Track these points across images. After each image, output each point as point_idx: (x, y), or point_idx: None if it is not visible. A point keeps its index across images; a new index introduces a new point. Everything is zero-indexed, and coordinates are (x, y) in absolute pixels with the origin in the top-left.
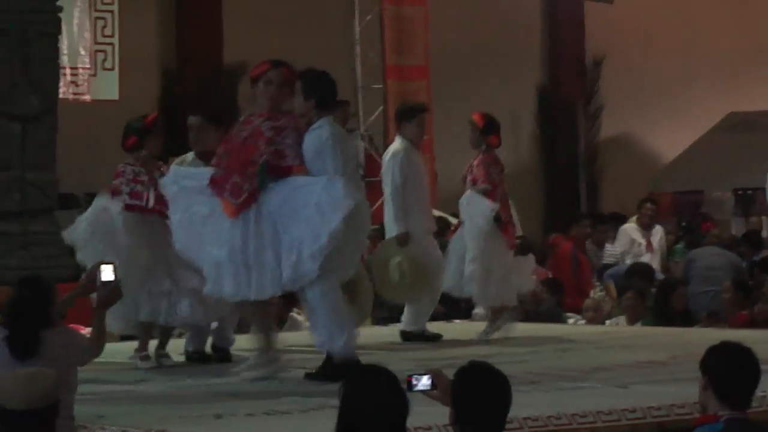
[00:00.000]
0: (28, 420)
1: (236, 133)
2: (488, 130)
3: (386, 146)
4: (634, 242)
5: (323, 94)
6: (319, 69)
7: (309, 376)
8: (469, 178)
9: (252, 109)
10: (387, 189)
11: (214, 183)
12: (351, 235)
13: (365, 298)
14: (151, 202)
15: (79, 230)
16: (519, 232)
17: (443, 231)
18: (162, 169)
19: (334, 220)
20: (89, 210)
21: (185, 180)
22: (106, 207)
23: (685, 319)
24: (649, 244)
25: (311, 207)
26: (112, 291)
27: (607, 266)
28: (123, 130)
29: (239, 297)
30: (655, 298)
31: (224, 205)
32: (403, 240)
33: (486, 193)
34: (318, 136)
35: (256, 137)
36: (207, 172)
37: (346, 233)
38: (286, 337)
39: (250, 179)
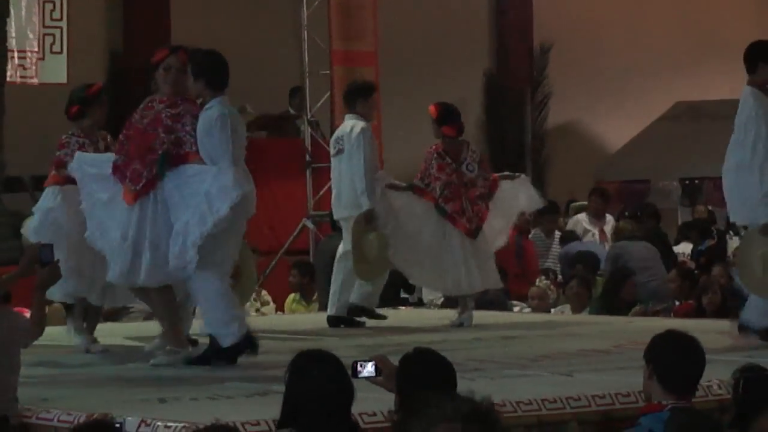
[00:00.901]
0: None
1: (138, 119)
2: (442, 120)
3: (332, 132)
4: (587, 232)
5: (212, 74)
6: (210, 49)
7: (191, 361)
8: None
9: (153, 95)
10: (357, 165)
11: (116, 169)
12: (236, 223)
13: (248, 279)
14: None
15: (28, 233)
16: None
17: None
18: (107, 139)
19: (221, 209)
20: (35, 215)
21: (88, 167)
22: (52, 208)
23: (630, 309)
24: (602, 233)
25: (200, 195)
26: (51, 272)
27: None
28: (67, 99)
29: (127, 282)
30: (605, 288)
31: (124, 191)
32: (371, 216)
33: (413, 190)
34: (208, 116)
35: (156, 124)
36: (110, 158)
37: (232, 222)
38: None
39: (150, 166)
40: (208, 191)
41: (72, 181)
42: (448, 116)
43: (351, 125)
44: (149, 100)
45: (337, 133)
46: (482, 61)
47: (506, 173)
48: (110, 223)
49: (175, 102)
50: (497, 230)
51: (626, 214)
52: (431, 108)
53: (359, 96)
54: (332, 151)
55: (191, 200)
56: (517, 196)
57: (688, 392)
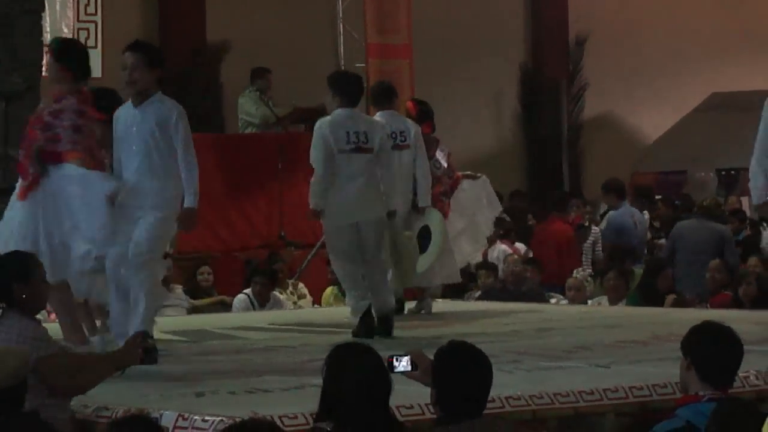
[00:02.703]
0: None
1: (38, 114)
2: (422, 118)
3: None
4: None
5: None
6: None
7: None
8: None
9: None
10: (423, 164)
11: (18, 165)
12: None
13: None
14: None
15: None
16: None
17: None
18: None
19: (99, 216)
20: None
21: None
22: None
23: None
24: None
25: (77, 200)
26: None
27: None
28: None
29: None
30: (642, 279)
31: (19, 187)
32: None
33: None
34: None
35: (36, 121)
36: None
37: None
38: (268, 316)
39: (33, 163)
40: (83, 195)
41: None
42: (426, 114)
43: (406, 122)
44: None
45: (393, 126)
46: (518, 53)
47: (469, 173)
48: (8, 220)
49: (61, 97)
50: (458, 230)
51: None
52: (409, 104)
53: (394, 95)
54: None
55: (72, 203)
56: (480, 197)
57: (726, 383)
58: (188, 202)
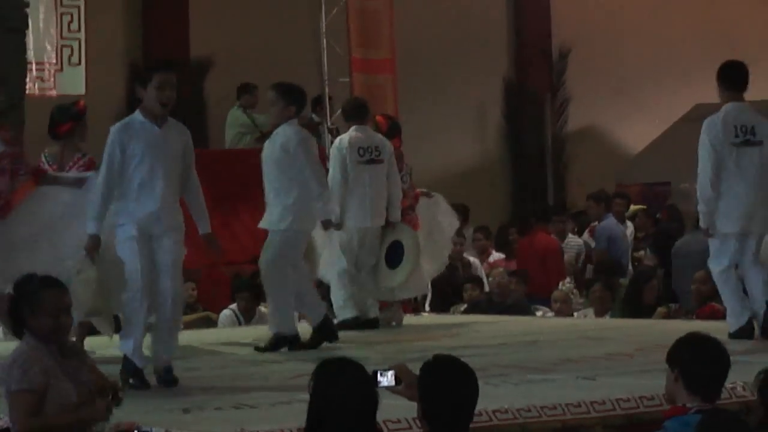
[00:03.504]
0: None
1: None
2: (392, 132)
3: None
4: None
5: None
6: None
7: None
8: None
9: None
10: (396, 180)
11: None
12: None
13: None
14: None
15: None
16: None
17: None
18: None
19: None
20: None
21: None
22: None
23: (653, 312)
24: (624, 237)
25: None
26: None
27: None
28: (52, 116)
29: None
30: (627, 290)
31: None
32: None
33: None
34: None
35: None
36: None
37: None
38: (254, 332)
39: None
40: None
41: None
42: (396, 129)
43: (381, 138)
44: None
45: (368, 141)
46: (501, 67)
47: (425, 190)
48: None
49: None
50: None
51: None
52: (379, 119)
53: (367, 110)
54: (363, 158)
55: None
56: (436, 216)
57: (713, 395)
58: (207, 227)
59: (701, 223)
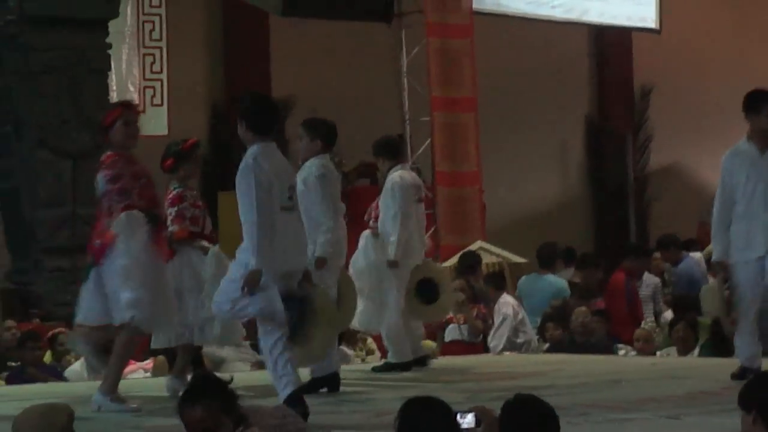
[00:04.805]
0: None
1: (134, 173)
2: None
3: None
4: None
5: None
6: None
7: None
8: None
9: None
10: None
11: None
12: None
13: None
14: (208, 229)
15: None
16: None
17: (473, 268)
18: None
19: None
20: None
21: None
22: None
23: None
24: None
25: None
26: None
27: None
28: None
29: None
30: (712, 329)
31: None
32: None
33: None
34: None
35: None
36: None
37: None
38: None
39: None
40: None
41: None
42: None
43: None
44: (115, 155)
45: (417, 180)
46: (583, 105)
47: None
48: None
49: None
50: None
51: None
52: None
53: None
54: (416, 197)
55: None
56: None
57: None
58: None
59: (714, 255)
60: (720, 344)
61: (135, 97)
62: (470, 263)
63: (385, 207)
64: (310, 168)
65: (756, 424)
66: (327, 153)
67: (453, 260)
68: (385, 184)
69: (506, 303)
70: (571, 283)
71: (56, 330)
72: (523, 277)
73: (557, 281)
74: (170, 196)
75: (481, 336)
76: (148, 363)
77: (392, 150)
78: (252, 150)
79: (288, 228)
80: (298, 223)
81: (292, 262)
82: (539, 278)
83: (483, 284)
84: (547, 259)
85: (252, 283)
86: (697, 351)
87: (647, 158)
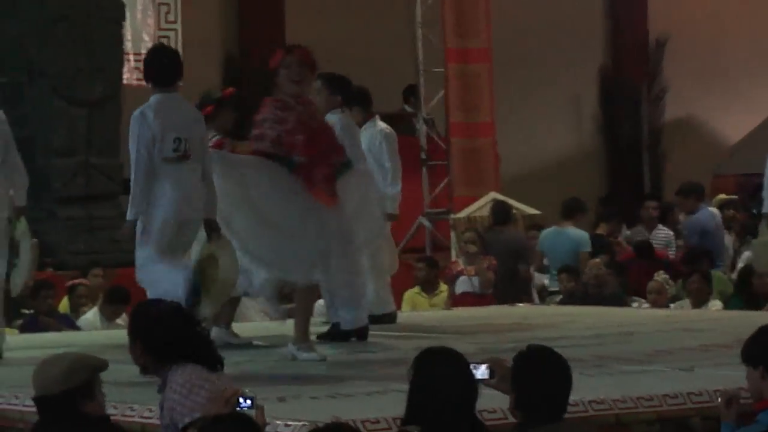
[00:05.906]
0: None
1: (306, 119)
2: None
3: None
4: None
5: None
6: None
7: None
8: None
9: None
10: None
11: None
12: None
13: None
14: None
15: None
16: None
17: (508, 217)
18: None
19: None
20: None
21: None
22: None
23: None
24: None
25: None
26: None
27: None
28: (200, 99)
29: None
30: (737, 284)
31: (318, 193)
32: None
33: None
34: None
35: (327, 127)
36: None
37: None
38: None
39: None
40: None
41: None
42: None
43: (384, 127)
44: (280, 100)
45: None
46: (597, 56)
47: None
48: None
49: (309, 101)
50: None
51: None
52: None
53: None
54: None
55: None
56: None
57: None
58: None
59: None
60: (750, 298)
61: (149, 47)
62: (506, 214)
63: (374, 159)
64: (332, 123)
65: (765, 379)
66: (373, 119)
67: (466, 211)
68: (370, 136)
69: None
70: (593, 236)
71: (76, 281)
72: (544, 232)
73: (579, 234)
74: (212, 143)
75: (492, 288)
76: None
77: (368, 101)
78: (149, 102)
79: (180, 179)
80: (191, 173)
81: (185, 212)
82: (561, 232)
83: None
84: (571, 211)
85: (126, 235)
86: (719, 304)
87: (662, 110)
